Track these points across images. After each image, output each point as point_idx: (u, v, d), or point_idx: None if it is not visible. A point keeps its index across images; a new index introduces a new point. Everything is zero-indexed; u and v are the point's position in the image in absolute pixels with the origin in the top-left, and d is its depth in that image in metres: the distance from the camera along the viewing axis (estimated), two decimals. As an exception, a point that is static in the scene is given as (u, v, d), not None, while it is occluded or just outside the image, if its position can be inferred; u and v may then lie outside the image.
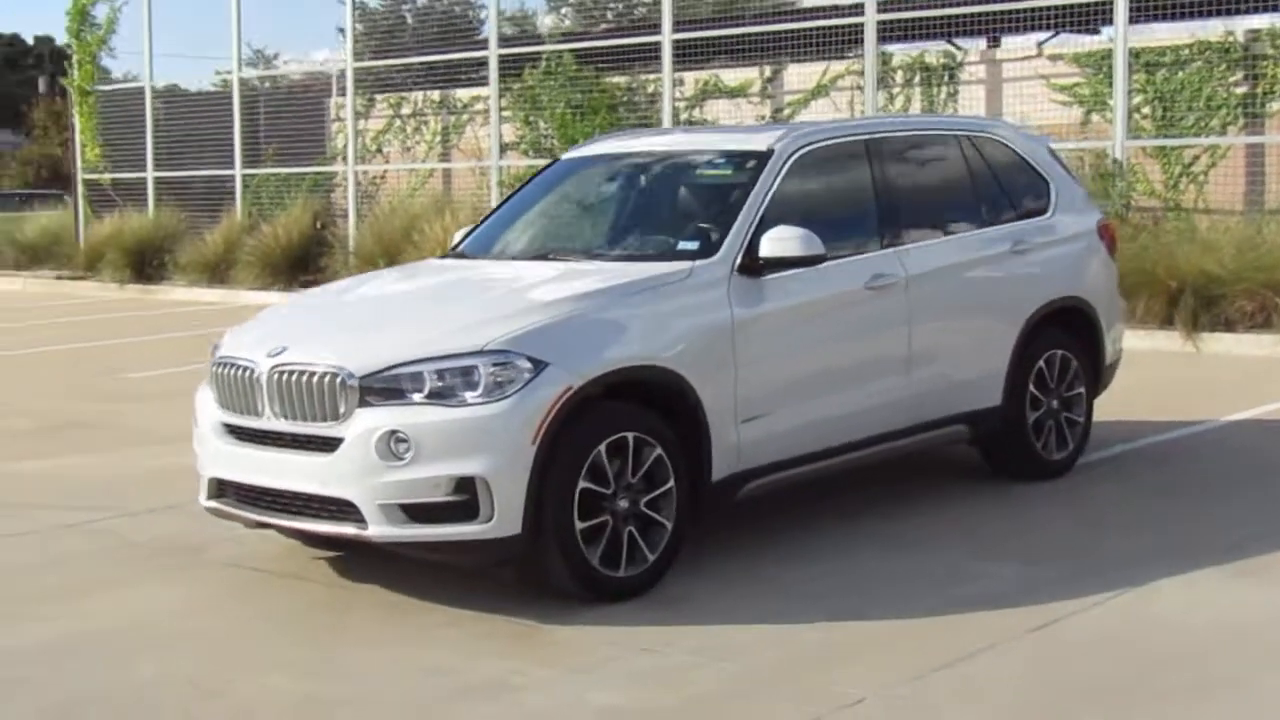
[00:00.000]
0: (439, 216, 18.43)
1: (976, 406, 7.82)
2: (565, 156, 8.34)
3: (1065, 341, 8.30)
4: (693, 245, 6.90)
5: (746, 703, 5.13)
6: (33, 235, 26.49)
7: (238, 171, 23.26)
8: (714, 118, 18.73)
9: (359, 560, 6.79)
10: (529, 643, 5.78)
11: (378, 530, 5.98)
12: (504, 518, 5.89)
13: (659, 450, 6.29)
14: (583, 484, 6.04)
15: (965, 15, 16.29)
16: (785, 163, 7.18)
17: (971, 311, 7.82)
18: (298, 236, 21.14)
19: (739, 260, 6.75)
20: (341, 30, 52.03)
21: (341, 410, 6.03)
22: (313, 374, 6.13)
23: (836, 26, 17.12)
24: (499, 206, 8.24)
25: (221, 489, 6.59)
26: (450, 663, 5.57)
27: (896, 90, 17.37)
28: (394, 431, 5.90)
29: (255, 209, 22.83)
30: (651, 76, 18.87)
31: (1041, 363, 8.12)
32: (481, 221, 8.18)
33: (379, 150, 22.46)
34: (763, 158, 7.19)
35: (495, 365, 5.96)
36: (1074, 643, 5.60)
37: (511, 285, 6.94)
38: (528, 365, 5.97)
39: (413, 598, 6.35)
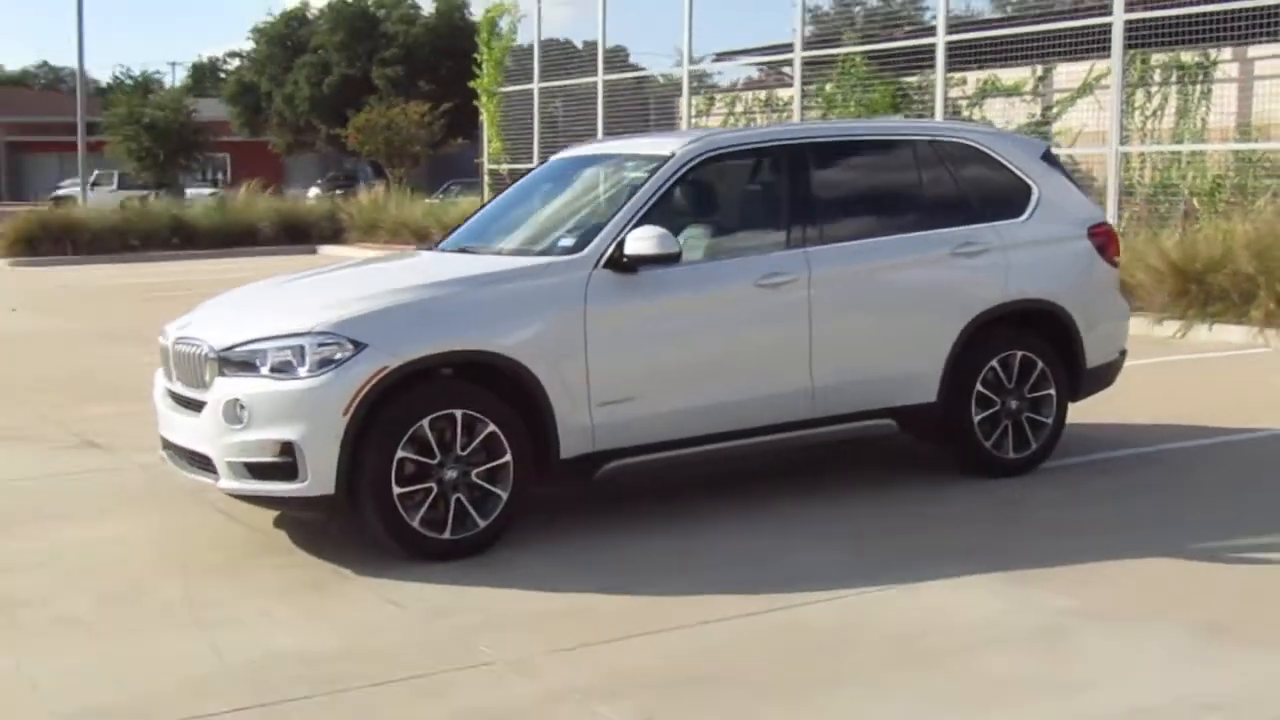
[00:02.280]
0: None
1: (905, 402, 7.54)
2: (553, 158, 8.51)
3: (1030, 343, 7.86)
4: (569, 242, 7.02)
5: (401, 654, 5.30)
6: (454, 218, 28.34)
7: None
8: (991, 116, 18.15)
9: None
10: (318, 590, 6.12)
11: (226, 483, 6.49)
12: (318, 479, 6.27)
13: (492, 427, 6.49)
14: (402, 453, 6.32)
15: (1214, 14, 15.15)
16: (683, 167, 7.18)
17: (892, 310, 7.52)
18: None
19: (607, 256, 6.82)
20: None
21: (206, 379, 6.56)
22: (190, 346, 6.70)
23: (1092, 26, 16.26)
24: (489, 200, 8.48)
25: (167, 444, 7.22)
26: (222, 599, 5.99)
27: (1154, 89, 16.34)
28: (236, 399, 6.38)
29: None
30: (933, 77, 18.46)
31: (995, 363, 7.73)
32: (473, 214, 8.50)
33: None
34: (662, 161, 7.21)
35: (321, 345, 6.34)
36: (757, 631, 5.48)
37: (398, 274, 7.28)
38: (350, 346, 6.32)
39: (293, 542, 6.81)
